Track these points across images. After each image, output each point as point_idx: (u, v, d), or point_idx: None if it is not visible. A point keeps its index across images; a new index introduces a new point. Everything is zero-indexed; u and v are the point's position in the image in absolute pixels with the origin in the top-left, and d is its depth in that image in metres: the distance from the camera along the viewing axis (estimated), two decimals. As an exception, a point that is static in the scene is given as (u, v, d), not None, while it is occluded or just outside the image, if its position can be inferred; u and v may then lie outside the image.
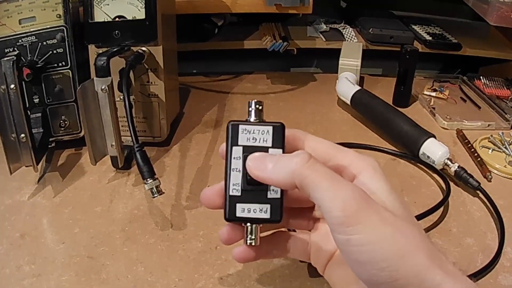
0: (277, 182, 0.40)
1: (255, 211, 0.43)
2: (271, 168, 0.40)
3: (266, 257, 0.50)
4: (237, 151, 0.43)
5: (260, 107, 0.45)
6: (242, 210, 0.43)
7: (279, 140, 0.43)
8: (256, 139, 0.43)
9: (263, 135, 0.43)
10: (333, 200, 0.37)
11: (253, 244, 0.44)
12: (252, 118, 0.44)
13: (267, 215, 0.43)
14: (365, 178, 0.41)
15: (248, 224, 0.44)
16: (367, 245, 0.36)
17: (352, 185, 0.38)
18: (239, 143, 0.43)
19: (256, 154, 0.42)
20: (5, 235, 0.61)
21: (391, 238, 0.36)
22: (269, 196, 0.43)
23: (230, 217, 0.44)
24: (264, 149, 0.43)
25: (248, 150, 0.43)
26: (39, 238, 0.61)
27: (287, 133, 0.43)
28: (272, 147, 0.43)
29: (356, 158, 0.43)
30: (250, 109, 0.45)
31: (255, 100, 0.45)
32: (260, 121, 0.44)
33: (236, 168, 0.44)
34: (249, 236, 0.44)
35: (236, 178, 0.44)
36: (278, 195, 0.43)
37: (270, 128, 0.43)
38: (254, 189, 0.43)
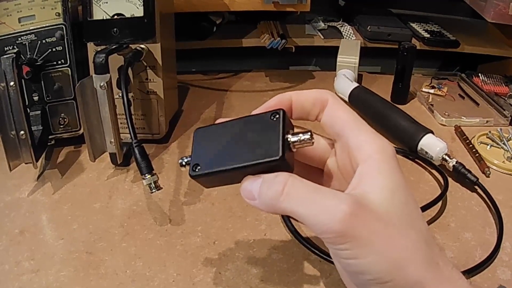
0: (267, 211, 0.39)
1: None
2: (258, 200, 0.39)
3: None
4: None
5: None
6: None
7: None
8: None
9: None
10: (315, 226, 0.36)
11: None
12: None
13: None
14: (367, 169, 0.38)
15: None
16: (356, 259, 0.35)
17: (336, 202, 0.35)
18: None
19: (245, 181, 0.40)
20: (4, 231, 0.62)
21: (381, 253, 0.35)
22: None
23: None
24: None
25: None
26: (38, 234, 0.61)
27: (313, 96, 0.43)
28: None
29: (367, 142, 0.39)
30: None
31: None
32: None
33: None
34: None
35: None
36: None
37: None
38: None
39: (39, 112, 0.74)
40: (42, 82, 0.75)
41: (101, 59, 0.65)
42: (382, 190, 0.37)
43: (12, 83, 0.65)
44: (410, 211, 0.37)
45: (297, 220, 0.63)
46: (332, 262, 0.56)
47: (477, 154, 0.78)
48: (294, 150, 0.40)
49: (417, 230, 0.37)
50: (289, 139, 0.40)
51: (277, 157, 0.38)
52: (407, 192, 0.38)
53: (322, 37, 1.10)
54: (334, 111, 0.42)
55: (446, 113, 0.90)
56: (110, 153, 0.71)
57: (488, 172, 0.74)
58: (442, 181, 0.71)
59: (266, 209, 0.39)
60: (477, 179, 0.70)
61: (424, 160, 0.77)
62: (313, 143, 0.40)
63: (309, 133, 0.40)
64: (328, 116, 0.42)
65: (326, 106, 0.43)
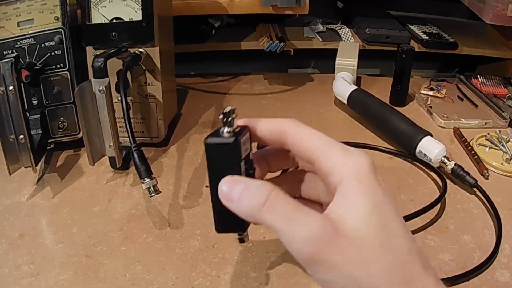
0: (244, 217, 0.37)
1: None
2: (236, 203, 0.37)
3: None
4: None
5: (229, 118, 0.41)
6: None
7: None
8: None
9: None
10: (291, 244, 0.34)
11: (244, 241, 0.43)
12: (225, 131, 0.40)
13: None
14: (343, 190, 0.36)
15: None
16: (330, 283, 0.35)
17: (313, 224, 0.34)
18: None
19: (225, 180, 0.39)
20: (4, 235, 0.62)
21: (355, 279, 0.34)
22: None
23: (220, 229, 0.42)
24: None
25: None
26: (38, 238, 0.61)
27: (272, 127, 0.41)
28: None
29: (340, 162, 0.37)
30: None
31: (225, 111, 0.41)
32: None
33: None
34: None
35: None
36: None
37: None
38: None
39: (38, 116, 0.74)
40: (41, 86, 0.75)
41: (100, 63, 0.65)
42: (357, 213, 0.35)
43: (11, 87, 0.65)
44: (389, 232, 0.36)
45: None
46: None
47: (475, 156, 0.78)
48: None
49: (394, 252, 0.35)
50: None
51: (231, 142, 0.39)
52: (386, 210, 0.36)
53: (320, 39, 1.11)
54: (298, 141, 0.40)
55: (445, 115, 0.90)
56: (109, 157, 0.71)
57: (486, 174, 0.75)
58: (440, 183, 0.72)
59: (242, 215, 0.37)
60: (476, 181, 0.70)
61: (423, 163, 0.77)
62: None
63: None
64: (293, 148, 0.41)
65: (288, 138, 0.41)
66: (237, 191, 0.37)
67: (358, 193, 0.36)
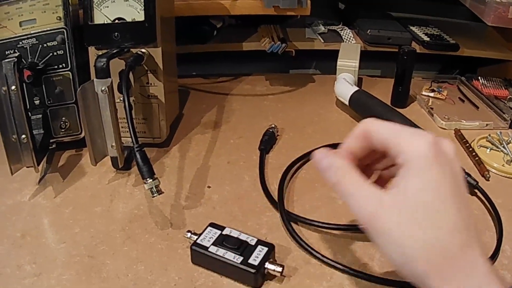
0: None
1: None
2: (321, 172, 0.47)
3: None
4: None
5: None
6: None
7: None
8: None
9: None
10: (355, 215, 0.43)
11: None
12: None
13: None
14: (402, 171, 0.41)
15: None
16: (383, 248, 0.41)
17: (367, 200, 0.42)
18: None
19: (320, 156, 0.47)
20: (6, 235, 0.62)
21: (400, 247, 0.40)
22: None
23: None
24: None
25: None
26: (40, 238, 0.62)
27: (359, 131, 0.47)
28: None
29: (404, 147, 0.42)
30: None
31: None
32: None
33: None
34: None
35: None
36: None
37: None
38: None
39: (40, 116, 0.74)
40: (43, 86, 0.75)
41: (102, 64, 0.65)
42: (408, 190, 0.40)
43: (13, 87, 0.65)
44: (434, 209, 0.39)
45: (297, 224, 0.63)
46: (332, 266, 0.57)
47: (476, 158, 0.78)
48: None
49: (434, 228, 0.39)
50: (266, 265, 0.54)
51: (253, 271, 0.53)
52: (438, 188, 0.40)
53: (322, 40, 1.11)
54: (374, 133, 0.45)
55: (446, 117, 0.90)
56: (111, 157, 0.71)
57: (487, 176, 0.75)
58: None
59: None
60: (477, 182, 0.71)
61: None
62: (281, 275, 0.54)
63: (282, 268, 0.54)
64: (375, 142, 0.45)
65: (372, 132, 0.45)
66: (321, 166, 0.47)
67: (412, 173, 0.40)
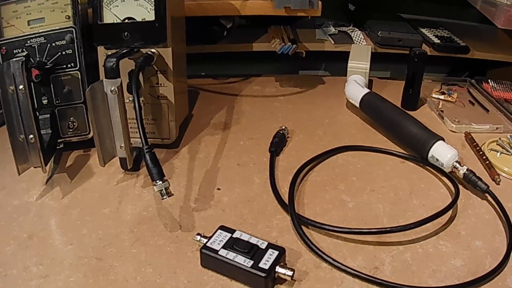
0: None
1: None
2: None
3: None
4: None
5: None
6: None
7: None
8: None
9: None
10: None
11: None
12: None
13: None
14: None
15: None
16: None
17: None
18: None
19: None
20: (12, 236, 0.61)
21: None
22: None
23: None
24: None
25: None
26: (47, 239, 0.61)
27: None
28: None
29: None
30: None
31: None
32: None
33: None
34: None
35: None
36: None
37: None
38: None
39: (48, 115, 0.74)
40: (52, 85, 0.74)
41: (112, 64, 0.65)
42: None
43: (21, 87, 0.64)
44: None
45: (308, 227, 0.63)
46: (343, 271, 0.56)
47: (487, 161, 0.78)
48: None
49: None
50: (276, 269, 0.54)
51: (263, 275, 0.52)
52: None
53: (332, 42, 1.10)
54: None
55: (456, 120, 0.90)
56: (120, 158, 0.71)
57: (498, 180, 0.74)
58: (452, 188, 0.71)
59: None
60: (488, 186, 0.70)
61: (435, 167, 0.76)
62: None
63: (292, 272, 0.53)
64: None
65: None
66: None
67: None
